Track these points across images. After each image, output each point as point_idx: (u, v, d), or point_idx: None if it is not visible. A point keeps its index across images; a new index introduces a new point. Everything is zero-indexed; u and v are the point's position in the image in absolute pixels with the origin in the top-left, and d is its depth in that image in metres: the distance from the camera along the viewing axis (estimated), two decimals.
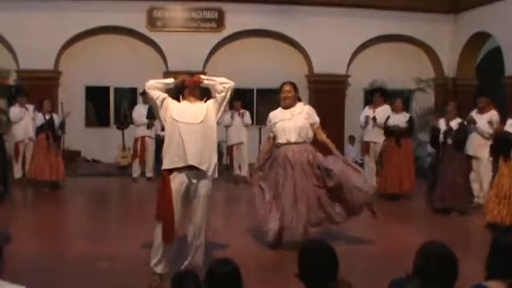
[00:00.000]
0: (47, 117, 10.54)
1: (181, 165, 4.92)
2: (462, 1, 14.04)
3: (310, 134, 6.38)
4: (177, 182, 4.94)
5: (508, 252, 2.72)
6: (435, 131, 8.85)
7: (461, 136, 8.54)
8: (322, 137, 6.49)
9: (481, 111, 8.80)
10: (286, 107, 6.41)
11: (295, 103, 6.43)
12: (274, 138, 6.41)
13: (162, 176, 5.00)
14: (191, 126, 4.96)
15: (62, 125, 10.80)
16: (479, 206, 8.67)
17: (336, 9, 13.82)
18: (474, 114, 8.92)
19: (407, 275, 2.80)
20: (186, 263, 5.14)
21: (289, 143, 6.27)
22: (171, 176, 4.94)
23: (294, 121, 6.29)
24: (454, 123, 8.63)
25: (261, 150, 6.81)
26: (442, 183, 8.53)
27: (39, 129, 10.58)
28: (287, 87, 6.42)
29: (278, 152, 6.31)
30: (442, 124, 8.76)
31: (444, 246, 2.80)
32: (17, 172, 10.97)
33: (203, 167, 4.97)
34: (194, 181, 4.99)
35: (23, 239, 6.43)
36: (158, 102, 5.07)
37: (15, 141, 10.93)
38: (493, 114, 8.72)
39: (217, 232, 7.47)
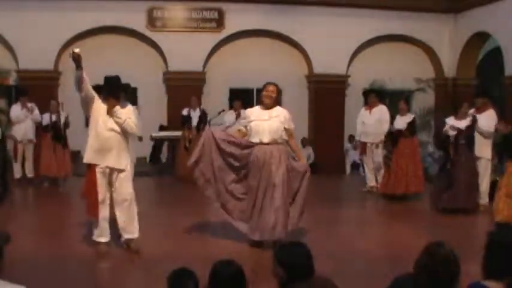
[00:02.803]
0: (54, 117, 10.59)
1: (101, 164, 5.86)
2: (462, 1, 14.03)
3: (284, 136, 6.41)
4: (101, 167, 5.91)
5: (504, 252, 2.71)
6: (444, 135, 8.81)
7: (472, 134, 8.54)
8: (293, 144, 6.57)
9: (479, 110, 8.79)
10: (266, 107, 6.41)
11: (275, 105, 6.46)
12: (245, 134, 6.42)
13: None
14: (110, 132, 5.88)
15: (66, 123, 10.82)
16: (482, 206, 8.68)
17: (336, 9, 13.82)
18: (472, 114, 8.90)
19: (410, 274, 2.80)
20: (123, 239, 6.15)
21: (261, 143, 6.29)
22: None
23: (270, 123, 6.30)
24: (465, 123, 8.60)
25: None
26: (459, 184, 8.47)
27: (44, 129, 10.67)
28: (271, 87, 6.42)
29: (249, 153, 6.32)
30: (450, 121, 8.70)
31: (447, 247, 2.80)
32: (17, 172, 10.98)
33: (121, 167, 5.95)
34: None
35: (23, 239, 6.42)
36: (90, 101, 5.93)
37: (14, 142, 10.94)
38: (491, 113, 8.71)
39: (217, 232, 7.48)
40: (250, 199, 6.31)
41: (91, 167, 5.92)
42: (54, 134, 10.64)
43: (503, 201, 7.46)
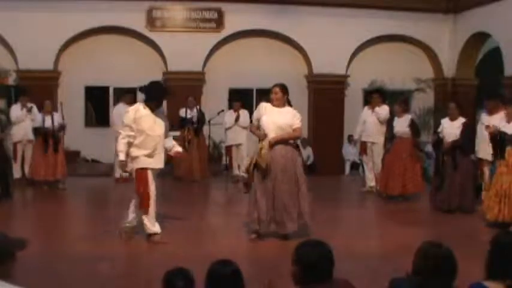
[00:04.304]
0: (47, 118, 10.53)
1: (154, 167, 6.49)
2: (462, 1, 14.03)
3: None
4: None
5: (507, 253, 2.71)
6: (438, 141, 8.84)
7: (466, 139, 8.55)
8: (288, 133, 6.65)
9: (491, 112, 8.79)
10: (275, 107, 6.64)
11: (285, 105, 6.67)
12: (258, 128, 6.65)
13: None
14: (157, 137, 6.45)
15: (61, 127, 10.74)
16: None
17: (336, 9, 13.81)
18: (484, 116, 8.93)
19: (407, 275, 2.81)
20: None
21: None
22: None
23: (279, 118, 6.51)
24: (457, 124, 8.64)
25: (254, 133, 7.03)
26: (451, 186, 8.52)
27: (36, 130, 10.57)
28: (276, 89, 6.66)
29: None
30: (444, 123, 8.75)
31: (442, 246, 2.81)
32: (17, 172, 10.97)
33: (162, 166, 6.64)
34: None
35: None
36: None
37: (14, 142, 10.93)
38: (503, 115, 8.70)
39: (217, 232, 7.48)
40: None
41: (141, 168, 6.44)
42: (44, 136, 10.55)
43: (493, 200, 7.54)
